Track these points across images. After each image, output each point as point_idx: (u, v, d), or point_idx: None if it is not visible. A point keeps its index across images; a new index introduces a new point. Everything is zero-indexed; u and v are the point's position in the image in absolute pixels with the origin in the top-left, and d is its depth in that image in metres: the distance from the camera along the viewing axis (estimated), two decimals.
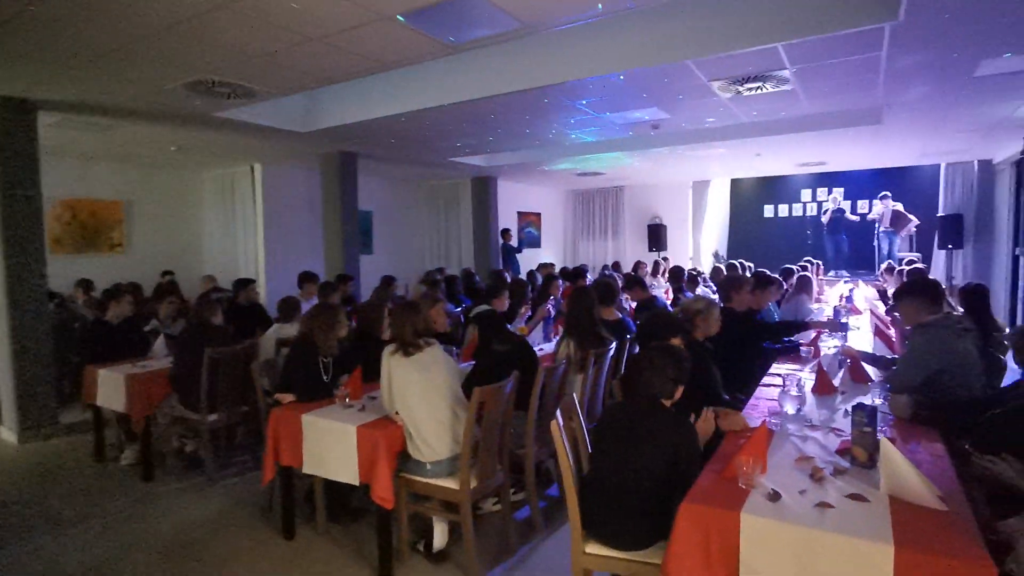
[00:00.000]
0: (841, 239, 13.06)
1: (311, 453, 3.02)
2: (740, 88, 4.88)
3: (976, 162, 9.76)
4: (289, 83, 4.59)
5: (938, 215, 10.33)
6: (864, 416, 2.21)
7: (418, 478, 2.88)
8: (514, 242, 11.19)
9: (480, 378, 3.11)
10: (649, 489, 2.12)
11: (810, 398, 3.14)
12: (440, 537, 3.01)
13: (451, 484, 2.84)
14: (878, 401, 3.06)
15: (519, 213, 12.13)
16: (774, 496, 1.97)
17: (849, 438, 2.50)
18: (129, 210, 8.38)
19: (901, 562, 1.63)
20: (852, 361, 3.51)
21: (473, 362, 3.75)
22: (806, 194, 14.22)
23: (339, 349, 3.48)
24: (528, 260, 11.41)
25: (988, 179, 9.70)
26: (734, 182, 14.25)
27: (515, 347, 3.37)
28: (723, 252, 13.99)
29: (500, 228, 10.84)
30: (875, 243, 11.64)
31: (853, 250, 12.38)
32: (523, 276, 8.50)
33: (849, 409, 2.94)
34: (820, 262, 9.22)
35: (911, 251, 11.51)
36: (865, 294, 7.50)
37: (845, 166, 11.37)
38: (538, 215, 12.81)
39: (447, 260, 11.38)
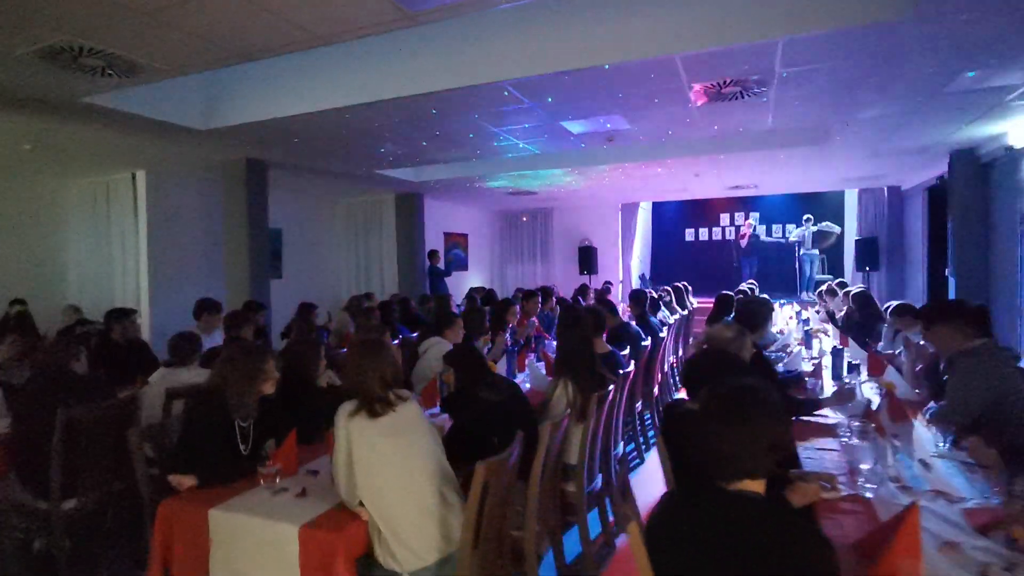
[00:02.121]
0: (754, 262, 13.48)
1: (223, 567, 2.05)
2: (717, 95, 4.47)
3: (886, 188, 10.25)
4: (186, 57, 3.58)
5: (855, 239, 10.74)
6: None
7: None
8: (441, 265, 10.35)
9: (466, 440, 2.30)
10: None
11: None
12: None
13: None
14: (943, 446, 2.58)
15: (445, 234, 11.33)
16: None
17: (975, 504, 1.96)
18: None
19: None
20: (890, 395, 3.04)
21: (441, 413, 2.91)
22: (724, 218, 14.64)
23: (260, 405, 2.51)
24: (454, 284, 10.60)
25: (898, 204, 10.21)
26: (656, 206, 14.38)
27: (508, 395, 2.58)
28: (648, 275, 13.98)
29: (427, 250, 9.99)
30: (796, 265, 12.01)
31: (774, 273, 12.73)
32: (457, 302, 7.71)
33: (917, 456, 2.46)
34: (755, 285, 9.17)
35: (824, 273, 11.99)
36: (809, 316, 7.40)
37: (774, 190, 11.66)
38: (465, 236, 12.07)
39: (368, 285, 10.30)
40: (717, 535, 1.37)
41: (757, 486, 1.43)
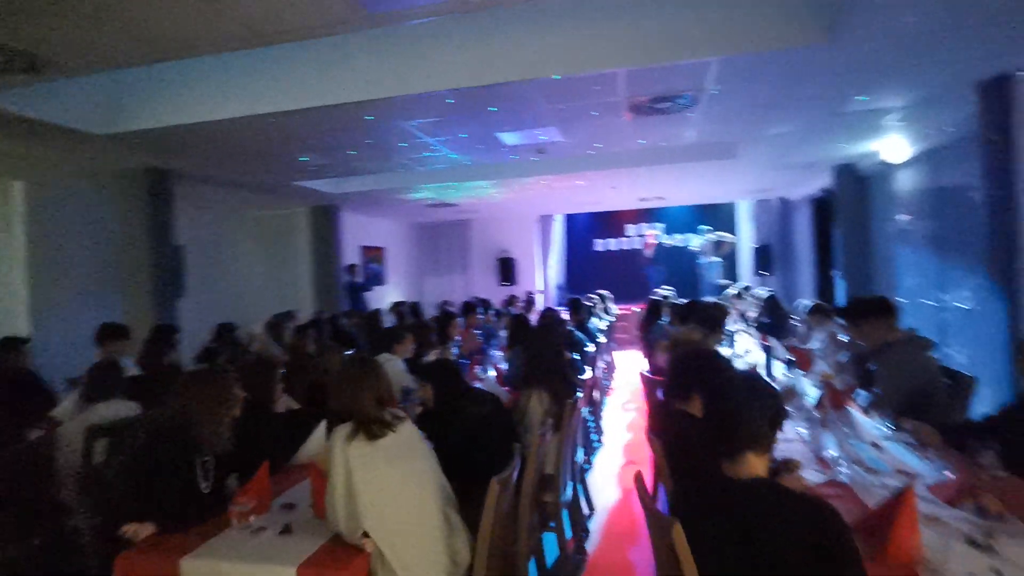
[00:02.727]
0: (661, 269, 14.25)
1: None
2: (651, 109, 4.70)
3: (778, 199, 11.25)
4: (104, 53, 3.20)
5: (752, 246, 11.68)
6: (997, 458, 1.86)
7: None
8: (361, 279, 9.99)
9: (460, 457, 2.21)
10: None
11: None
12: None
13: None
14: (884, 430, 2.85)
15: (362, 248, 10.95)
16: None
17: (935, 479, 2.17)
18: None
19: None
20: (829, 386, 3.30)
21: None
22: (631, 228, 15.38)
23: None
24: (373, 299, 10.26)
25: (788, 214, 11.23)
26: (567, 217, 14.83)
27: (492, 407, 2.51)
28: (563, 284, 14.36)
29: (345, 264, 9.60)
30: (698, 272, 12.83)
31: (678, 279, 13.52)
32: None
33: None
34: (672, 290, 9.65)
35: (723, 279, 12.91)
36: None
37: (680, 202, 12.38)
38: (382, 250, 11.73)
39: (281, 302, 9.69)
40: (749, 521, 1.47)
41: (761, 464, 1.57)
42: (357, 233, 10.65)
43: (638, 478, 1.85)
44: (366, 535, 1.81)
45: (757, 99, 4.63)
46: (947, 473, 2.19)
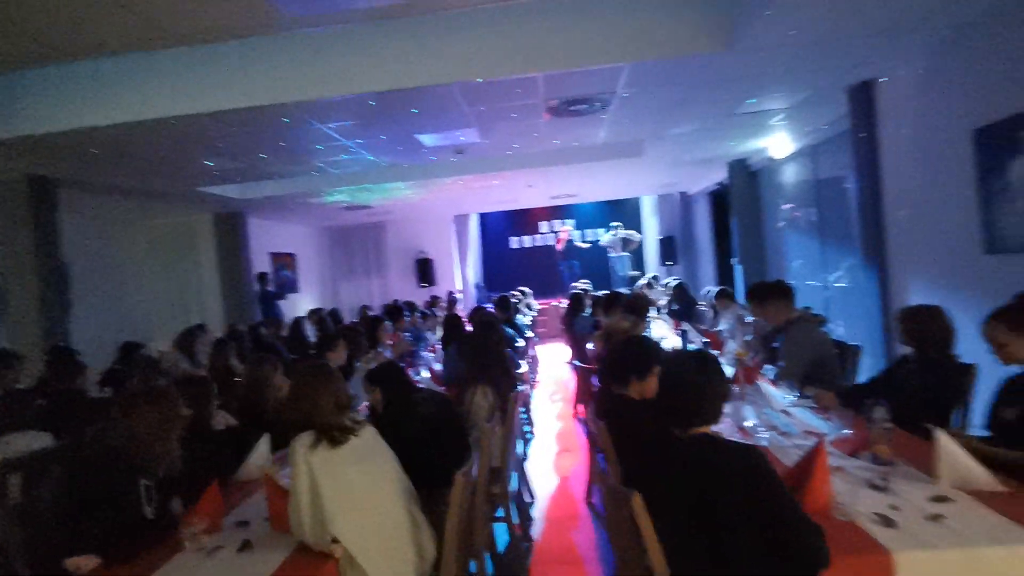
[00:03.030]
0: (574, 264, 14.73)
1: None
2: (566, 111, 4.91)
3: (679, 193, 12.00)
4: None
5: (657, 238, 12.37)
6: (886, 412, 2.17)
7: None
8: (272, 287, 9.57)
9: (414, 457, 2.26)
10: (754, 549, 1.66)
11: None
12: None
13: None
14: (790, 398, 3.20)
15: (272, 255, 10.47)
16: (888, 522, 1.74)
17: (836, 436, 2.49)
18: None
19: None
20: (741, 363, 3.65)
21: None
22: (544, 225, 15.80)
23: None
24: (287, 307, 9.87)
25: (687, 207, 12.01)
26: (482, 216, 14.98)
27: (441, 405, 2.57)
28: (481, 283, 14.49)
29: (256, 272, 9.16)
30: (609, 265, 13.40)
31: (590, 273, 14.05)
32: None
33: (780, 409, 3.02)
34: (588, 284, 10.03)
35: (633, 271, 13.57)
36: None
37: (591, 198, 12.85)
38: (292, 256, 11.28)
39: (186, 315, 9.10)
40: (694, 470, 1.66)
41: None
42: (265, 239, 10.18)
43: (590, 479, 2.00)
44: (335, 541, 1.83)
45: (663, 101, 4.98)
46: (846, 430, 2.53)
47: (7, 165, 5.06)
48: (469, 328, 4.48)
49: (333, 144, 5.41)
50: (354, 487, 1.88)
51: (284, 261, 11.01)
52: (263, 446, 2.67)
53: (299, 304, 10.85)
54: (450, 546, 1.91)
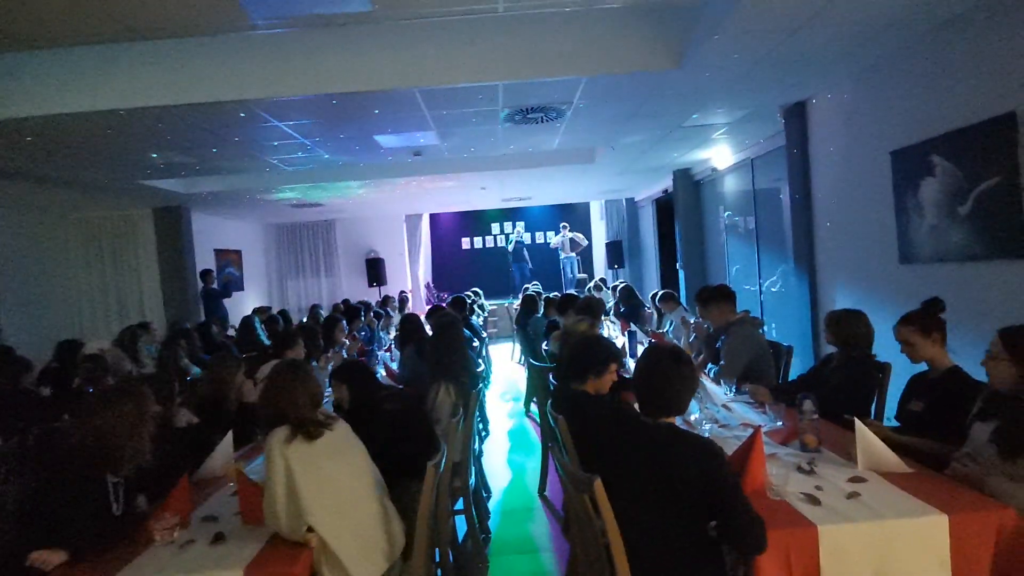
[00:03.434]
0: (525, 266, 14.93)
1: None
2: (524, 118, 5.06)
3: (625, 200, 12.41)
4: None
5: (605, 242, 12.74)
6: (814, 405, 2.43)
7: None
8: (216, 285, 9.29)
9: (381, 452, 2.35)
10: (703, 526, 1.86)
11: None
12: None
13: None
14: (729, 394, 3.46)
15: (216, 251, 10.16)
16: (813, 500, 1.97)
17: (770, 427, 2.74)
18: None
19: (955, 524, 1.79)
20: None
21: None
22: (495, 227, 15.94)
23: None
24: (232, 305, 9.61)
25: (634, 213, 12.44)
26: (433, 217, 14.97)
27: (407, 401, 2.66)
28: (431, 283, 14.48)
29: (200, 269, 8.88)
30: (559, 268, 13.70)
31: (540, 275, 14.29)
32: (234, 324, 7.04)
33: (717, 405, 3.27)
34: (538, 284, 10.23)
35: (581, 272, 13.91)
36: None
37: (543, 202, 13.07)
38: (239, 253, 10.97)
39: (123, 313, 8.73)
40: (660, 459, 1.82)
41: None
42: (209, 235, 9.86)
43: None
44: (309, 530, 1.90)
45: (615, 113, 5.22)
46: (779, 422, 2.79)
47: None
48: (427, 328, 4.57)
49: (289, 142, 5.36)
50: (328, 479, 1.96)
51: (230, 258, 10.70)
52: (226, 444, 2.69)
53: (245, 302, 10.57)
54: (421, 531, 2.02)
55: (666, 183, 9.63)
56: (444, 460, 2.29)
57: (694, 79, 4.28)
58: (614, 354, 2.65)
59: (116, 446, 1.96)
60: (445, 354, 3.16)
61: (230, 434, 2.72)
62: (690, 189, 8.90)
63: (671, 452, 1.81)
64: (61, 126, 4.38)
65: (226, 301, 9.28)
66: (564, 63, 3.90)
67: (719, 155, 7.68)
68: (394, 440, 2.50)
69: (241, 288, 10.88)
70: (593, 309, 3.99)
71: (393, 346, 5.87)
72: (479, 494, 3.75)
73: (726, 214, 8.04)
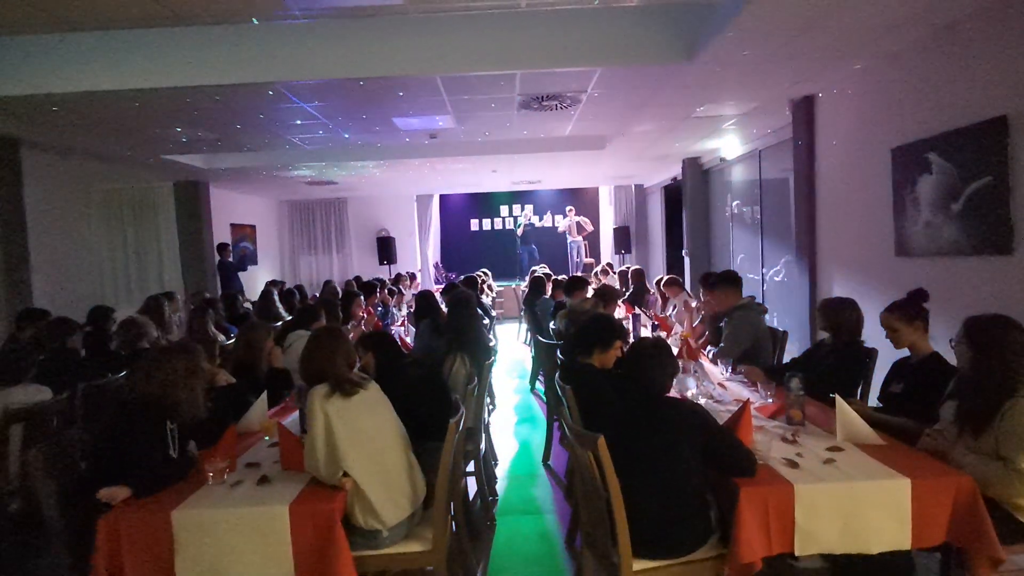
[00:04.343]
0: (533, 249, 15.11)
1: (192, 566, 2.04)
2: (539, 105, 5.23)
3: (633, 186, 12.55)
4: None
5: (613, 227, 12.90)
6: (800, 383, 2.65)
7: (370, 552, 2.24)
8: (232, 259, 9.55)
9: (404, 414, 2.59)
10: (696, 486, 2.11)
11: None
12: None
13: (415, 547, 2.30)
14: (726, 374, 3.69)
15: (232, 225, 10.41)
16: (793, 464, 2.20)
17: (761, 403, 2.97)
18: None
19: (916, 488, 2.03)
20: (687, 342, 4.13)
21: None
22: (504, 209, 16.09)
23: None
24: (246, 279, 9.89)
25: (642, 199, 12.58)
26: (442, 197, 15.13)
27: (429, 371, 2.90)
28: (440, 263, 14.70)
29: (216, 242, 9.13)
30: (568, 251, 13.88)
31: (547, 257, 14.49)
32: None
33: (713, 382, 3.51)
34: (546, 267, 10.44)
35: (587, 256, 14.08)
36: None
37: (553, 186, 13.22)
38: (253, 227, 11.22)
39: (143, 283, 9.00)
40: (657, 424, 2.14)
41: None
42: (226, 210, 10.10)
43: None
44: (345, 475, 2.15)
45: (628, 102, 5.38)
46: (769, 399, 3.02)
47: None
48: (442, 305, 4.80)
49: (312, 122, 5.56)
50: (362, 431, 2.21)
51: (245, 232, 10.95)
52: (261, 402, 2.95)
53: (258, 276, 10.84)
54: (442, 479, 2.26)
55: (675, 170, 9.77)
56: (463, 420, 2.53)
57: (705, 72, 4.44)
58: (619, 333, 2.88)
59: (176, 396, 2.21)
60: (462, 327, 3.39)
61: (264, 394, 2.98)
62: (698, 177, 9.05)
63: (671, 412, 2.12)
64: (97, 102, 4.59)
65: (240, 275, 9.55)
66: (581, 55, 4.07)
67: (728, 145, 7.82)
68: (415, 403, 2.74)
69: (255, 262, 11.15)
70: (607, 296, 4.22)
71: (406, 321, 6.12)
72: (488, 460, 4.01)
73: (733, 203, 8.20)
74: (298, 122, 5.59)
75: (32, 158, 6.34)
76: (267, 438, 2.77)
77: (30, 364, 2.98)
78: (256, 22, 3.52)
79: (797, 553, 2.04)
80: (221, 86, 4.26)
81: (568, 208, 13.65)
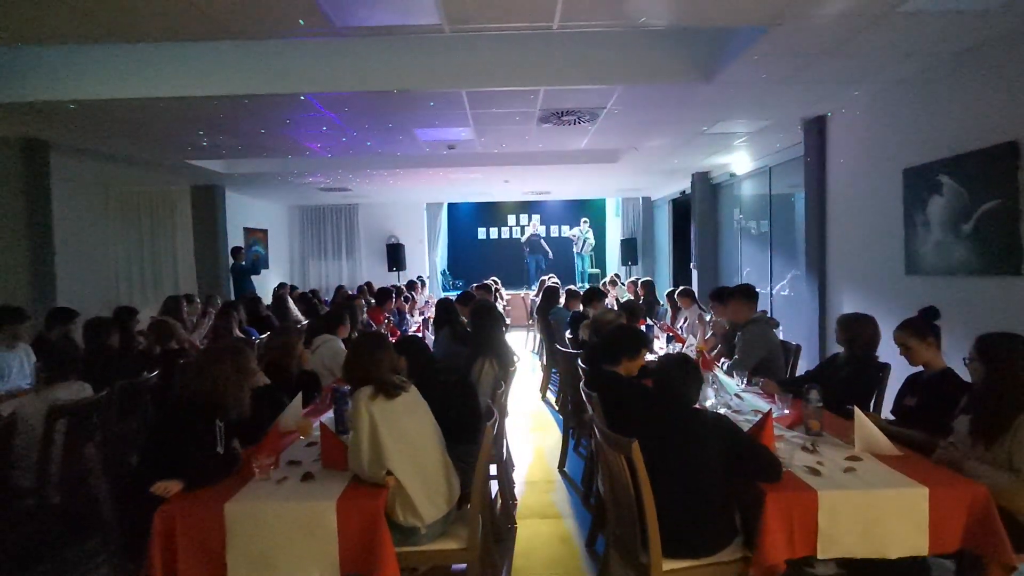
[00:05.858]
0: (540, 259, 15.21)
1: (243, 557, 2.14)
2: (558, 120, 5.37)
3: (641, 198, 12.69)
4: (46, 30, 3.13)
5: (620, 239, 13.03)
6: (819, 395, 2.76)
7: (407, 548, 2.33)
8: (246, 262, 9.67)
9: (438, 416, 2.69)
10: (719, 490, 2.21)
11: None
12: None
13: (451, 544, 2.39)
14: (741, 385, 3.79)
15: (246, 230, 10.54)
16: (815, 471, 2.31)
17: (779, 415, 3.07)
18: None
19: (933, 496, 2.13)
20: (702, 354, 4.23)
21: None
22: (512, 219, 16.23)
23: None
24: (259, 282, 10.00)
25: (649, 211, 12.72)
26: (451, 206, 15.27)
27: (459, 377, 3.01)
28: (447, 271, 14.82)
29: (231, 246, 9.26)
30: (573, 261, 14.01)
31: (554, 267, 14.60)
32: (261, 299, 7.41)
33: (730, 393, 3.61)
34: (555, 277, 10.56)
35: (594, 268, 14.19)
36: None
37: (563, 196, 13.36)
38: (265, 232, 11.35)
39: (157, 285, 9.13)
40: (687, 433, 2.24)
41: None
42: (239, 214, 10.24)
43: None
44: (388, 474, 2.25)
45: (644, 118, 5.52)
46: (786, 410, 3.12)
47: (4, 128, 5.13)
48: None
49: (336, 129, 5.70)
50: (403, 431, 2.31)
51: (257, 236, 11.08)
52: (296, 403, 3.06)
53: (269, 280, 10.95)
54: (479, 480, 2.37)
55: (684, 184, 9.91)
56: (496, 424, 2.64)
57: (722, 93, 4.58)
58: (645, 342, 2.99)
59: (226, 395, 2.32)
60: (487, 332, 3.51)
61: (299, 395, 3.08)
62: (708, 191, 9.18)
63: (696, 421, 2.23)
64: (128, 108, 4.73)
65: (253, 279, 9.66)
66: (605, 73, 4.22)
67: (738, 161, 7.96)
68: (445, 407, 2.84)
69: (266, 266, 11.27)
70: (634, 311, 4.36)
71: (421, 328, 6.23)
72: (507, 464, 4.10)
73: (740, 217, 8.33)
74: (323, 128, 5.73)
75: (55, 159, 6.47)
76: (302, 438, 2.88)
77: (76, 362, 3.10)
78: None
79: (820, 556, 2.14)
80: (256, 96, 4.40)
81: (583, 219, 13.75)
